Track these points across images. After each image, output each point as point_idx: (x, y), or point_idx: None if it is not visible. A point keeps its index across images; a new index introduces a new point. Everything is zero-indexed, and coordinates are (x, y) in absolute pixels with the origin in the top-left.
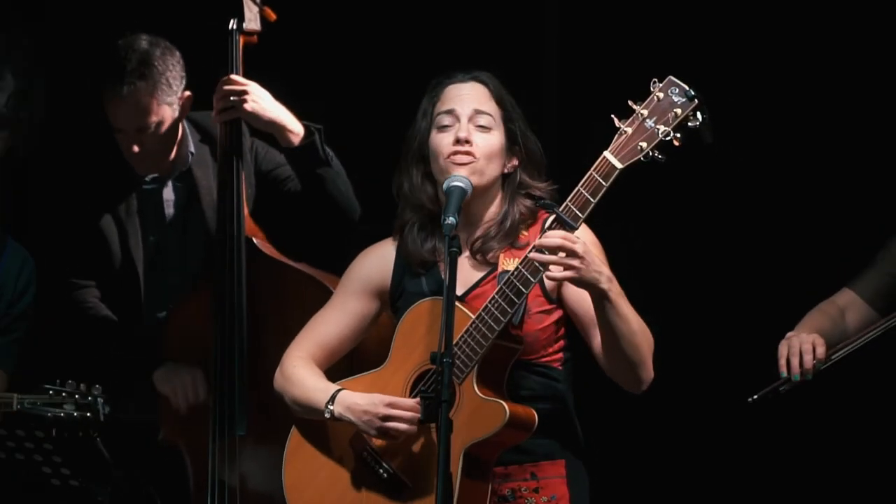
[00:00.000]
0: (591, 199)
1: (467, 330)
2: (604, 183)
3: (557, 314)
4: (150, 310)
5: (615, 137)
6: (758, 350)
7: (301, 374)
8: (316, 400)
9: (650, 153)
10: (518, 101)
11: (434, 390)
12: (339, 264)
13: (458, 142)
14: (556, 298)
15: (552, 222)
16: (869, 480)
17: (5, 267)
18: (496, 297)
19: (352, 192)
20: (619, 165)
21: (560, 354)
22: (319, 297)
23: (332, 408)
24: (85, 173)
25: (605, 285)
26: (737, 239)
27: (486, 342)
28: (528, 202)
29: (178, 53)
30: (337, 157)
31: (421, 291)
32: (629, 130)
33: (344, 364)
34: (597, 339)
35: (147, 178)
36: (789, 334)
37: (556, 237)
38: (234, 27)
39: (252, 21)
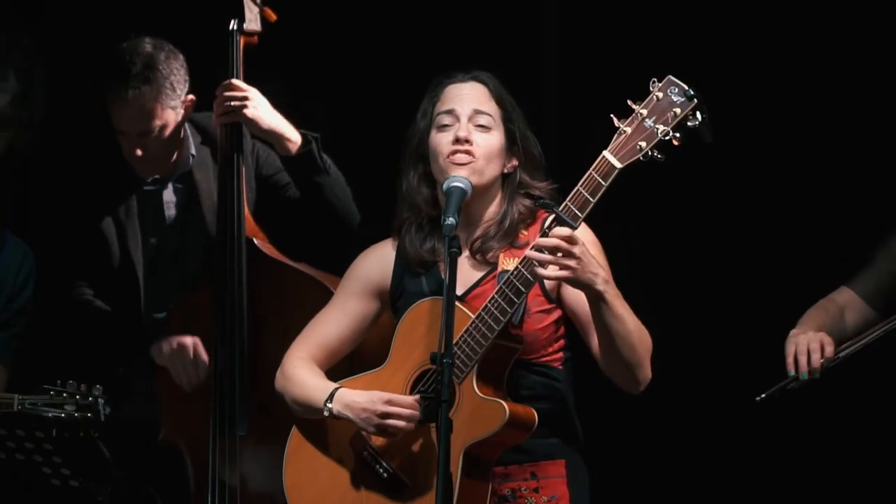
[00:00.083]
0: (591, 199)
1: (467, 329)
2: (603, 182)
3: (557, 314)
4: (148, 310)
5: (614, 137)
6: (757, 348)
7: (301, 373)
8: (315, 399)
9: (649, 153)
10: (518, 101)
11: (434, 390)
12: (339, 264)
13: (457, 141)
14: (555, 298)
15: (551, 222)
16: (872, 480)
17: (5, 262)
18: (496, 296)
19: (351, 200)
20: (618, 165)
21: (560, 354)
22: (320, 298)
23: (330, 406)
24: (85, 174)
25: (600, 287)
26: (736, 238)
27: (486, 342)
28: (528, 202)
29: (181, 57)
30: (338, 156)
31: (421, 291)
32: (628, 130)
33: (344, 364)
34: (595, 339)
35: (147, 180)
36: (794, 332)
37: (553, 237)
38: (235, 28)
39: (252, 22)
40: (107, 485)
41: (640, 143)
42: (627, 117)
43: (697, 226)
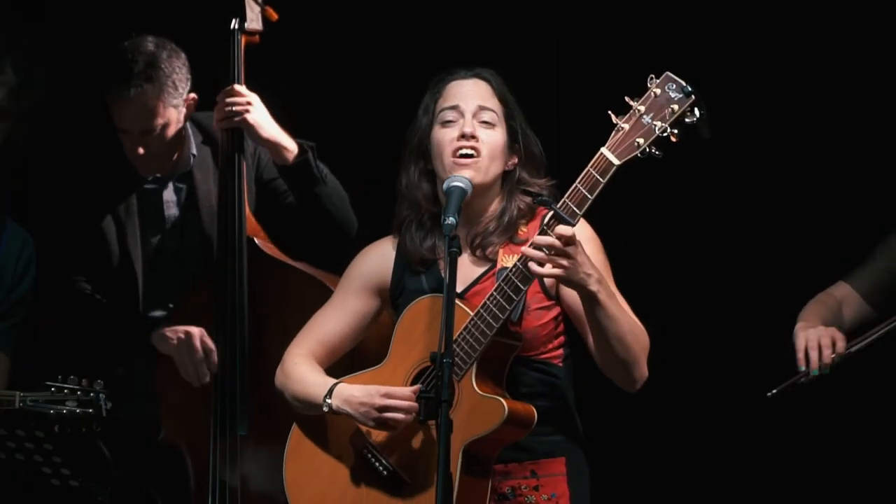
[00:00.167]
0: (589, 196)
1: (466, 327)
2: (601, 179)
3: (556, 310)
4: (148, 310)
5: (612, 134)
6: (757, 344)
7: (301, 370)
8: (314, 394)
9: (647, 149)
10: (518, 101)
11: (433, 388)
12: (339, 264)
13: (463, 136)
14: (554, 295)
15: (550, 219)
16: (874, 478)
17: (4, 251)
18: (494, 293)
19: (348, 208)
20: (616, 162)
21: (560, 351)
22: (320, 297)
23: (329, 401)
24: (86, 172)
25: (593, 287)
26: (735, 234)
27: (485, 339)
28: (527, 198)
29: (183, 55)
30: (338, 155)
31: (421, 289)
32: (626, 127)
33: (345, 362)
34: (591, 337)
35: (148, 178)
36: (802, 325)
37: (551, 236)
38: (236, 27)
39: (254, 21)
40: (107, 485)
41: (637, 139)
42: (625, 114)
43: (695, 222)
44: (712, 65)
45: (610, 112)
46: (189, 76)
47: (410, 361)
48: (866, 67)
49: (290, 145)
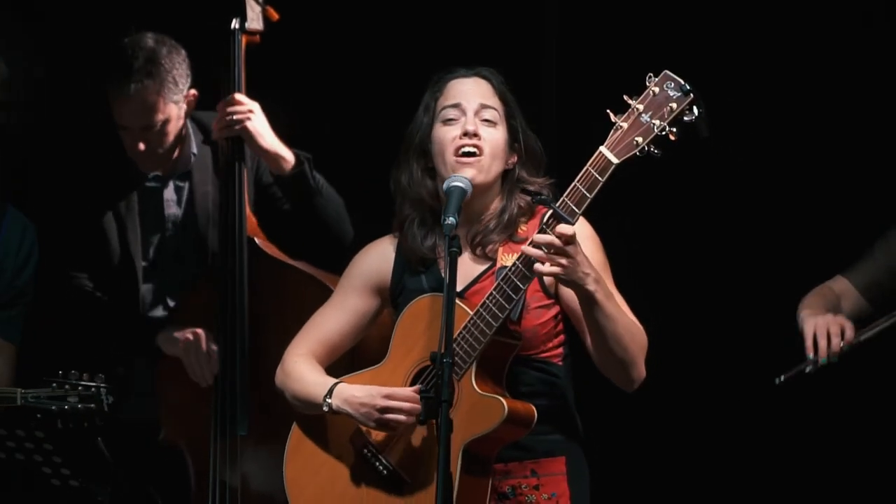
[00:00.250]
0: (588, 195)
1: (466, 326)
2: (600, 178)
3: (556, 309)
4: (148, 309)
5: (611, 132)
6: (756, 343)
7: (301, 369)
8: (314, 394)
9: (646, 148)
10: (518, 101)
11: (433, 388)
12: (339, 263)
13: (465, 134)
14: (553, 293)
15: (549, 218)
16: (875, 478)
17: (5, 238)
18: (494, 293)
19: (344, 218)
20: (614, 160)
21: (560, 350)
22: (320, 297)
23: (329, 401)
24: (87, 169)
25: (591, 287)
26: (733, 232)
27: (485, 338)
28: (527, 197)
29: (183, 52)
30: (337, 155)
31: (421, 288)
32: (625, 125)
33: (345, 361)
34: (589, 337)
35: (149, 176)
36: (808, 312)
37: (550, 234)
38: (237, 27)
39: (254, 21)
40: (107, 485)
41: (636, 138)
42: (624, 113)
43: (694, 220)
44: (711, 63)
45: (609, 111)
46: (189, 72)
47: (410, 361)
48: (864, 66)
49: (288, 156)
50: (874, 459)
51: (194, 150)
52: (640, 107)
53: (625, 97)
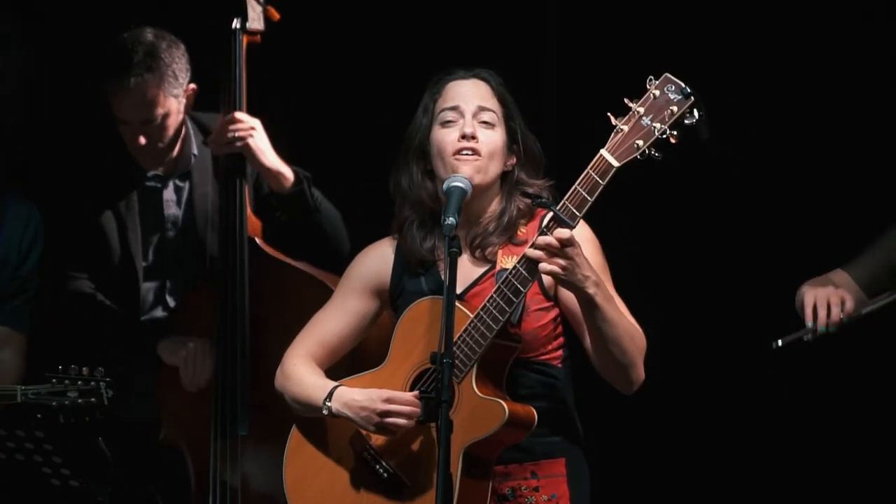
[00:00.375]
0: (588, 198)
1: (466, 329)
2: (601, 181)
3: (556, 312)
4: (148, 309)
5: (611, 135)
6: (756, 347)
7: (301, 372)
8: (314, 397)
9: (647, 151)
10: (518, 101)
11: (434, 390)
12: (339, 264)
13: (464, 137)
14: (553, 296)
15: (549, 221)
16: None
17: (9, 228)
18: (494, 296)
19: (340, 233)
20: (615, 164)
21: (559, 352)
22: (320, 297)
23: (329, 404)
24: (87, 168)
25: (590, 290)
26: (734, 235)
27: (485, 341)
28: (527, 199)
29: (182, 46)
30: (337, 155)
31: (420, 290)
32: (625, 128)
33: (345, 363)
34: (588, 339)
35: (149, 175)
36: (808, 285)
37: (550, 237)
38: (238, 27)
39: (255, 21)
40: (107, 485)
41: (637, 141)
42: (624, 115)
43: (695, 223)
44: (711, 66)
45: (609, 114)
46: (188, 67)
47: (410, 364)
48: (864, 67)
49: (288, 173)
50: (876, 465)
51: (195, 150)
52: (641, 110)
53: (625, 100)
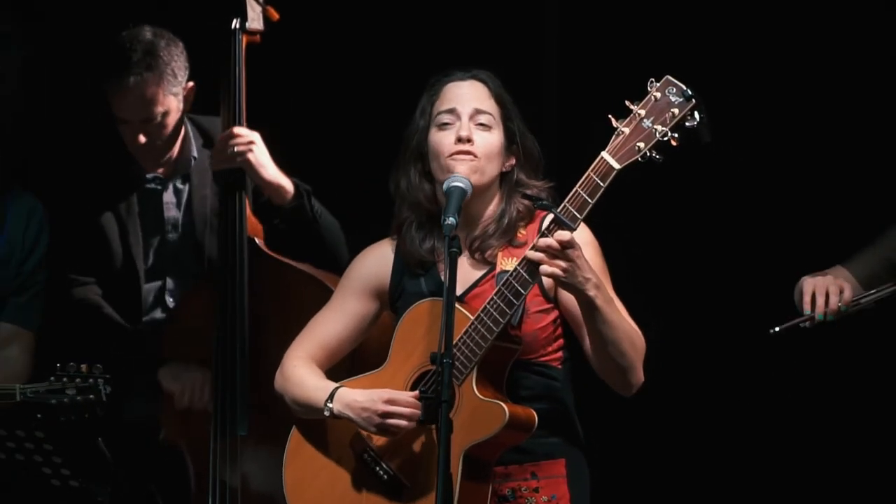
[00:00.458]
0: (589, 200)
1: (466, 331)
2: (601, 184)
3: (555, 313)
4: (148, 310)
5: (613, 138)
6: (756, 350)
7: (301, 373)
8: (315, 398)
9: (648, 153)
10: (518, 101)
11: (434, 391)
12: (337, 267)
13: (459, 140)
14: (553, 298)
15: (550, 223)
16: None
17: (11, 224)
18: (495, 298)
19: (340, 242)
20: (616, 166)
21: (559, 354)
22: (320, 297)
23: (331, 405)
24: (88, 170)
25: (591, 292)
26: (735, 238)
27: (486, 343)
28: (526, 201)
29: (181, 44)
30: (337, 156)
31: (420, 292)
32: (626, 131)
33: (345, 364)
34: (588, 341)
35: (149, 178)
36: (806, 277)
37: (551, 239)
38: (237, 27)
39: (255, 21)
40: (107, 485)
41: (638, 143)
42: (625, 117)
43: (696, 226)
44: (712, 68)
45: (610, 116)
46: (187, 65)
47: (410, 366)
48: (864, 68)
49: (288, 186)
50: (877, 469)
51: (194, 153)
52: (642, 112)
53: (626, 102)
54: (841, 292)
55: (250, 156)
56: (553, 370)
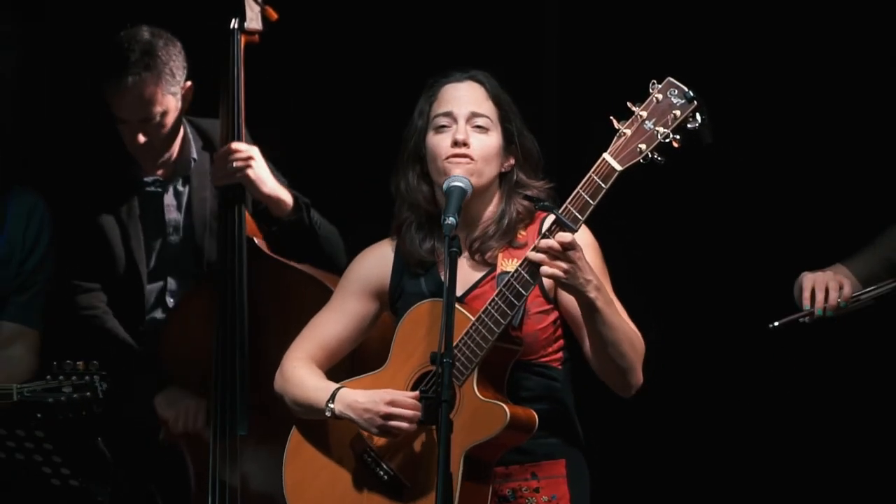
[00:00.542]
0: (591, 201)
1: (467, 332)
2: (603, 185)
3: (555, 314)
4: (148, 310)
5: (614, 139)
6: (756, 351)
7: (301, 374)
8: (316, 399)
9: (649, 155)
10: (518, 101)
11: (434, 392)
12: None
13: (455, 144)
14: (553, 299)
15: (551, 224)
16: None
17: (9, 233)
18: (496, 299)
19: (339, 249)
20: (618, 168)
21: (559, 354)
22: (320, 298)
23: (332, 406)
24: (87, 174)
25: (591, 294)
26: (736, 239)
27: (486, 344)
28: (526, 202)
29: (179, 44)
30: (337, 156)
31: (420, 292)
32: (628, 132)
33: (345, 365)
34: (587, 342)
35: (149, 181)
36: (806, 273)
37: (552, 240)
38: (236, 27)
39: (253, 20)
40: (107, 484)
41: (640, 145)
42: (627, 119)
43: (697, 227)
44: (714, 69)
45: (612, 117)
46: (185, 64)
47: (410, 366)
48: (865, 69)
49: (288, 199)
50: (876, 467)
51: (194, 155)
52: (644, 113)
53: (628, 104)
54: (840, 288)
55: (249, 171)
56: (553, 371)
